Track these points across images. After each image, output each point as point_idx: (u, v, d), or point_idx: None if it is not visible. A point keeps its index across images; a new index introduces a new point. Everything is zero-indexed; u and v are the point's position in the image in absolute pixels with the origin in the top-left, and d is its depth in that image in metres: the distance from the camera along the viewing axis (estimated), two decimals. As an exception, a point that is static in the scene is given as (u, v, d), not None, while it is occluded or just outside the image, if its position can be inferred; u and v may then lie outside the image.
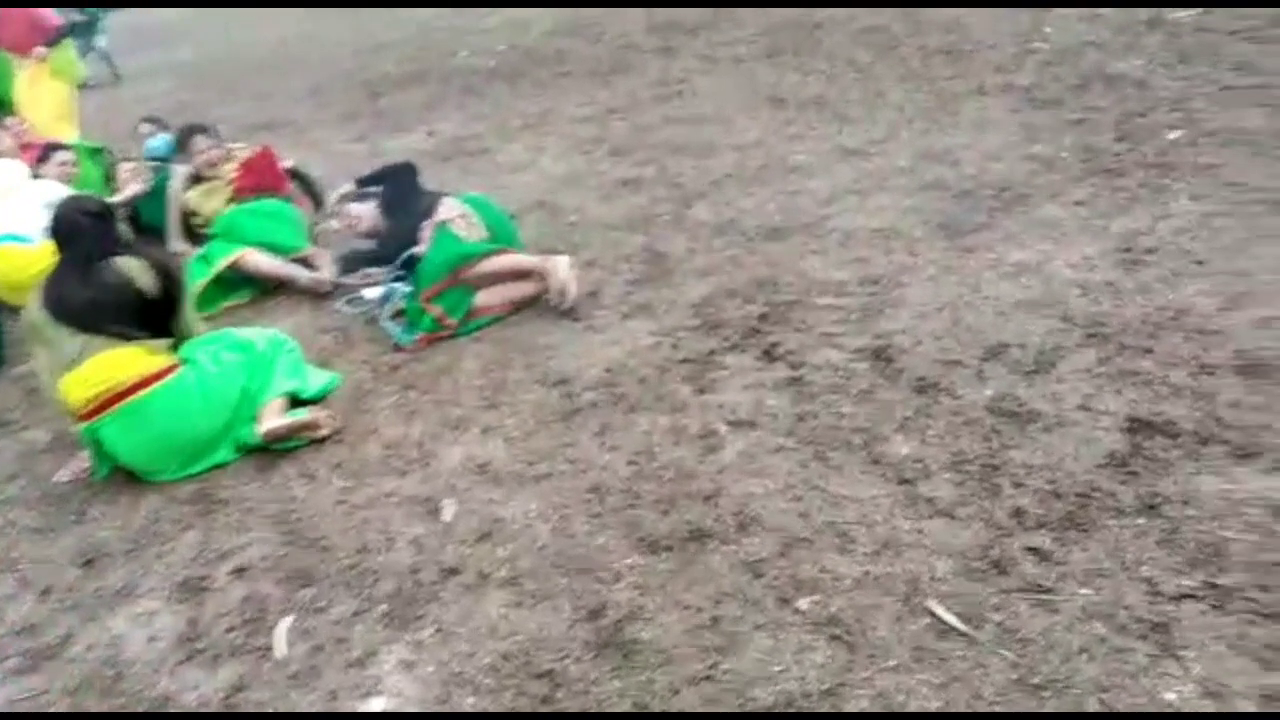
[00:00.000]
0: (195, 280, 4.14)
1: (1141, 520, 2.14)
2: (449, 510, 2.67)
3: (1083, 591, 2.00)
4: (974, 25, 6.20)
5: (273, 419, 3.11)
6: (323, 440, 3.12)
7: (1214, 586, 1.94)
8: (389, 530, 2.65)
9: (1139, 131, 4.17)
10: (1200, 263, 3.09)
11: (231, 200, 4.70)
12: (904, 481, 2.42)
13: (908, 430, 2.61)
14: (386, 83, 8.47)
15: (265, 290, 4.40)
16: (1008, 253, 3.41)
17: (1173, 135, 4.06)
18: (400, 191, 4.21)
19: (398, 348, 3.62)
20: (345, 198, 4.42)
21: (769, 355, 3.10)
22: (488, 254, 3.67)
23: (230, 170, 4.78)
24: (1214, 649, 1.82)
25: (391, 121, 7.14)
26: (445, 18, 10.64)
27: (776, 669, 1.98)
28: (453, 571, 2.43)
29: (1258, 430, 2.33)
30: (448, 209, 3.89)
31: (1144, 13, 5.70)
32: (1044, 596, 2.01)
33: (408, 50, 9.54)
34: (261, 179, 4.76)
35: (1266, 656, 1.79)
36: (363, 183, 4.40)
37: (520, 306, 3.72)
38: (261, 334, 3.34)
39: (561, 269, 3.61)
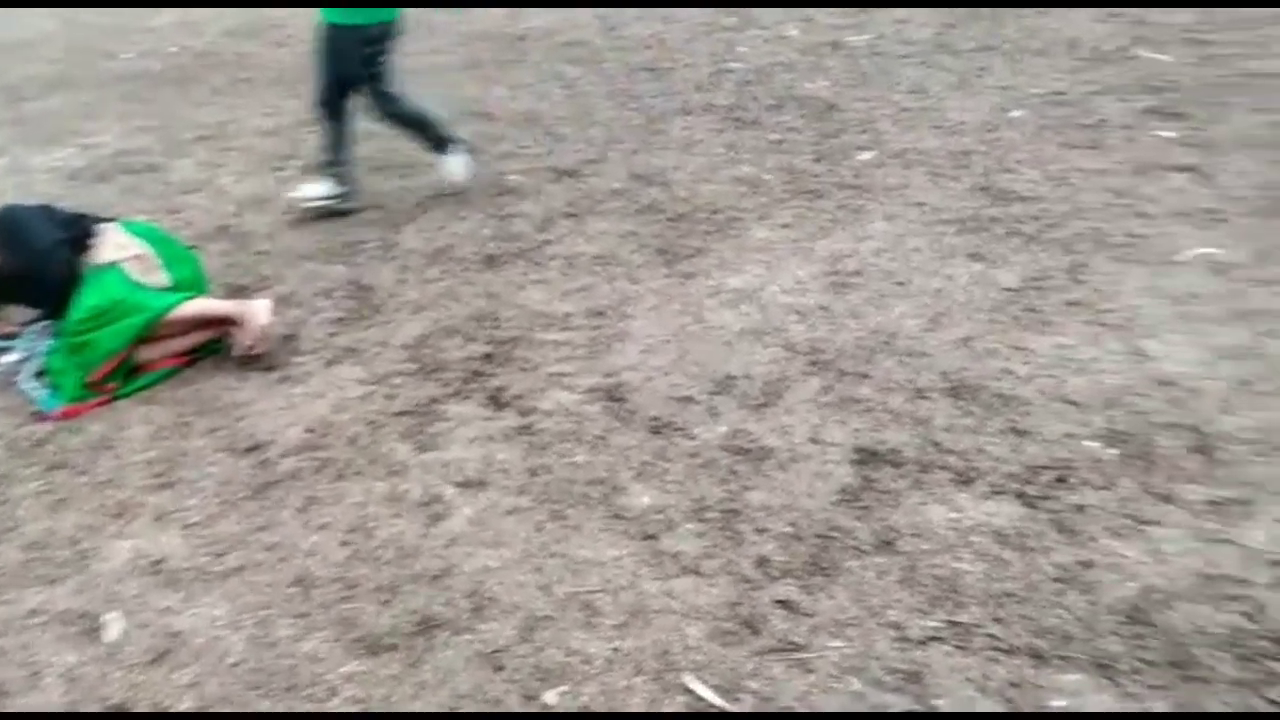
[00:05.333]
0: None
1: (881, 559, 2.13)
2: (113, 627, 2.18)
3: (834, 644, 1.94)
4: (671, 42, 6.29)
5: None
6: (-59, 546, 2.49)
7: (955, 624, 1.94)
8: (33, 661, 2.12)
9: (834, 152, 4.35)
10: (901, 284, 3.22)
11: None
12: (647, 537, 2.28)
13: (646, 477, 2.47)
14: (32, 86, 7.27)
15: None
16: (725, 279, 3.39)
17: (864, 156, 4.27)
18: (25, 218, 3.26)
19: (40, 416, 2.99)
20: None
21: (495, 401, 2.86)
22: (176, 306, 3.07)
23: None
24: (963, 693, 1.81)
25: (39, 132, 6.11)
26: (103, 13, 9.37)
27: (525, 780, 1.75)
28: (118, 711, 1.98)
29: (973, 453, 2.41)
30: (114, 243, 3.17)
31: (826, 35, 6.04)
32: (797, 655, 1.92)
33: (54, 50, 8.28)
34: None
35: (1010, 695, 1.80)
36: None
37: (193, 358, 3.20)
38: None
39: (262, 314, 3.13)
